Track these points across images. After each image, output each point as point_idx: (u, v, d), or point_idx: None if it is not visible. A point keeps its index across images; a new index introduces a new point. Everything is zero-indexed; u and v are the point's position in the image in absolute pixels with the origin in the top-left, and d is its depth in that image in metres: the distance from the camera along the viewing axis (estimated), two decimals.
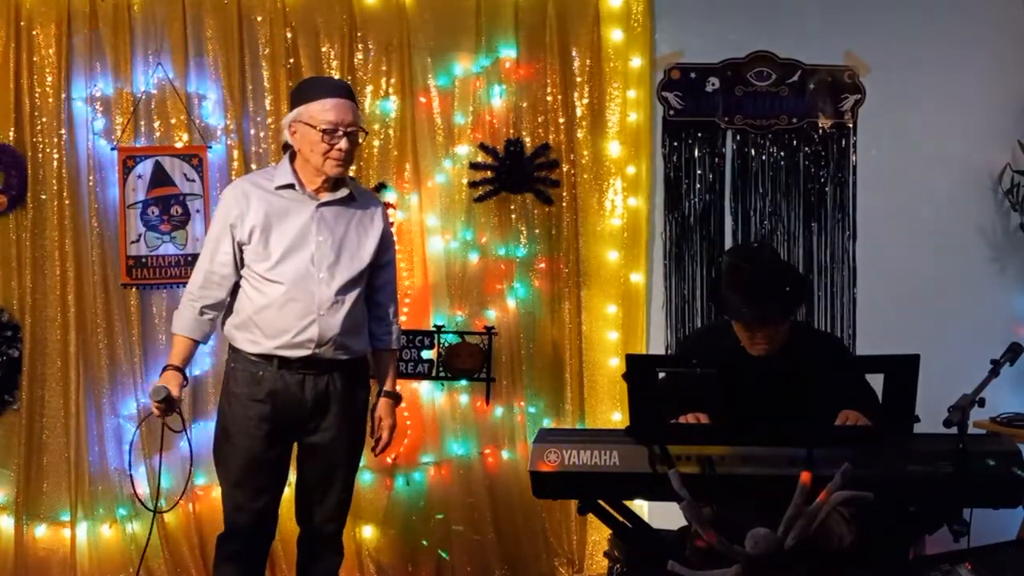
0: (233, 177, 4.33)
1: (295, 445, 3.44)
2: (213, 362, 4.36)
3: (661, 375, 3.26)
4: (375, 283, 3.48)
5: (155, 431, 4.27)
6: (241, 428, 3.31)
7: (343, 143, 3.25)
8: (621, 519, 3.09)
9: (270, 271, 3.28)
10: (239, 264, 3.33)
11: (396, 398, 3.57)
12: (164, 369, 3.33)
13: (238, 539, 3.35)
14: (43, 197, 4.32)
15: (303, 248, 3.29)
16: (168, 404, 3.23)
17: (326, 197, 3.35)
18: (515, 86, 4.54)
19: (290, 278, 3.26)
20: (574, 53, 4.57)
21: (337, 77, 4.35)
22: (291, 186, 3.33)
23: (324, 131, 3.23)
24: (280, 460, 3.39)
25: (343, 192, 3.37)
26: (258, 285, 3.30)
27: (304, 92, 3.34)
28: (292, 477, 3.53)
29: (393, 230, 3.66)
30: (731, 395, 3.04)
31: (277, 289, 3.27)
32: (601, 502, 3.00)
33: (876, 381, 2.94)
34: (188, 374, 3.48)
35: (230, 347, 3.40)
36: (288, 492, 3.52)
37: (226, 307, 3.39)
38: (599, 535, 4.55)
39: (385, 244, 3.47)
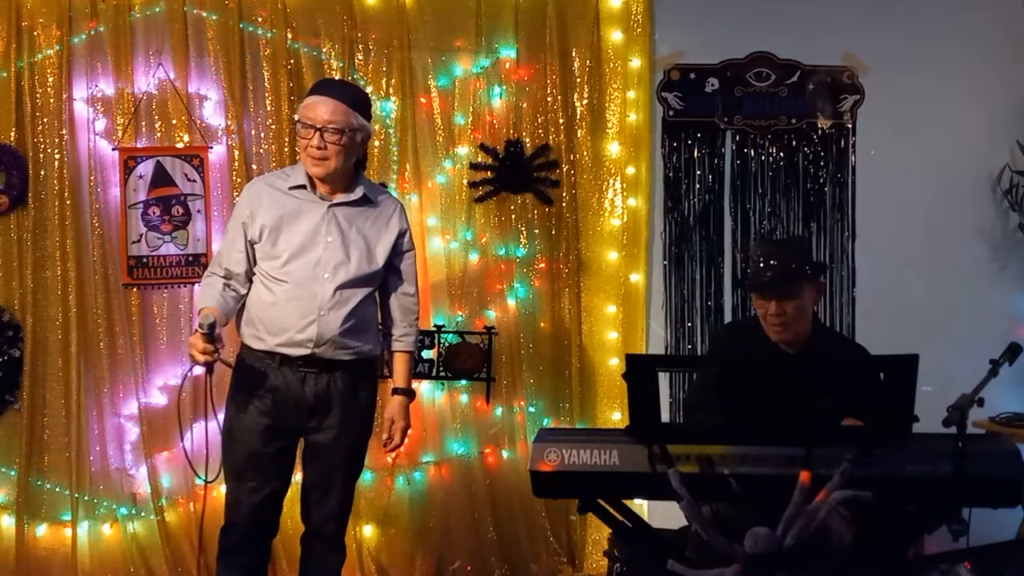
0: (234, 177, 4.34)
1: (302, 442, 3.45)
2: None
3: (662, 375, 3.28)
4: (393, 285, 3.47)
5: (157, 431, 4.33)
6: (242, 423, 3.33)
7: (315, 140, 3.25)
8: (621, 518, 3.09)
9: (278, 270, 3.30)
10: (252, 262, 3.35)
11: (410, 395, 3.54)
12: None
13: (237, 532, 3.37)
14: (44, 197, 4.32)
15: (312, 249, 3.30)
16: (213, 336, 3.09)
17: (339, 198, 3.35)
18: (515, 87, 4.55)
19: (296, 277, 3.28)
20: (574, 54, 4.58)
21: (338, 78, 4.35)
22: (303, 187, 3.34)
23: (300, 124, 3.27)
24: (282, 455, 3.39)
25: (357, 193, 3.38)
26: (266, 283, 3.32)
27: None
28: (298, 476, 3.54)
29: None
30: (748, 394, 3.04)
31: (283, 287, 3.29)
32: (601, 501, 3.00)
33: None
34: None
35: (241, 343, 3.42)
36: (292, 490, 3.52)
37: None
38: (599, 534, 4.55)
39: (402, 245, 3.46)
